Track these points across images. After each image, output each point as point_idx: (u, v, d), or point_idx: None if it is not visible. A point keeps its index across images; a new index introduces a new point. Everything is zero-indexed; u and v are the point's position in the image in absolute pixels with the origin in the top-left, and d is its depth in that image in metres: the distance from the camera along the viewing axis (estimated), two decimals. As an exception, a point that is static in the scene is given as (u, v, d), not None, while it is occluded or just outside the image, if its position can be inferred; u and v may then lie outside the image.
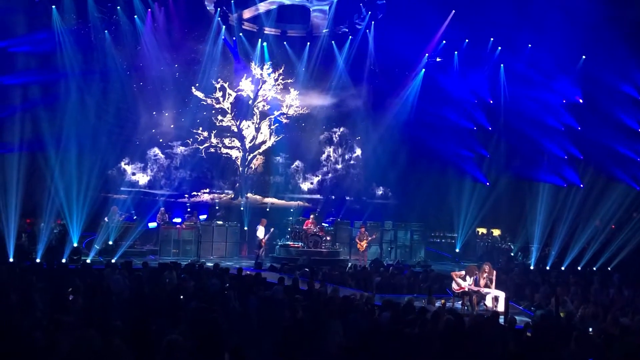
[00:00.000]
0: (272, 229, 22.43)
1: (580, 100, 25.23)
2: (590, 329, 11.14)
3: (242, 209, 26.30)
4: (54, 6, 23.12)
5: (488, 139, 27.15)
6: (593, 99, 24.51)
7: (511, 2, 23.33)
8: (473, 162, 27.39)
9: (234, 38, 27.19)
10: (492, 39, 25.91)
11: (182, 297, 12.17)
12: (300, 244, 22.53)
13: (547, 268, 21.60)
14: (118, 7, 24.59)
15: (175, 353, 7.61)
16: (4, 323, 8.75)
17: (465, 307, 14.95)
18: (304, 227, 22.89)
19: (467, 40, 26.30)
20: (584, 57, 24.68)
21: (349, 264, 21.35)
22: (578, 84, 25.12)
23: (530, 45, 25.22)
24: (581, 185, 24.48)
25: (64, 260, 18.73)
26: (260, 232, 21.85)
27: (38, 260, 18.37)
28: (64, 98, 23.01)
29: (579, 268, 21.32)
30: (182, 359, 7.71)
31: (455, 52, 26.74)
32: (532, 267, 22.03)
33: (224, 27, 26.41)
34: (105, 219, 21.83)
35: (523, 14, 23.62)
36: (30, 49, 22.46)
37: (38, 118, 21.94)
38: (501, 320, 12.04)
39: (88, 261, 18.79)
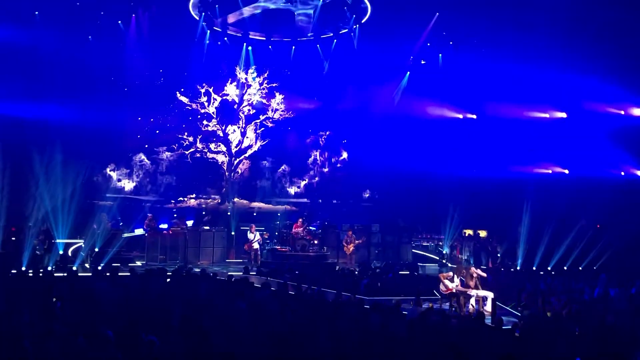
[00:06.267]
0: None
1: None
2: (577, 329, 11.22)
3: (229, 213, 26.23)
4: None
5: (475, 136, 27.29)
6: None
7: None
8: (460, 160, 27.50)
9: (219, 43, 27.17)
10: (475, 40, 26.03)
11: (169, 303, 12.13)
12: (287, 247, 22.52)
13: (534, 268, 21.73)
14: (102, 12, 24.46)
15: (155, 354, 7.62)
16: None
17: (453, 309, 15.01)
18: (292, 231, 22.87)
19: (451, 42, 26.46)
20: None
21: (337, 267, 21.36)
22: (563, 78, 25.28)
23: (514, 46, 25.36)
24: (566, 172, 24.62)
25: (50, 268, 18.59)
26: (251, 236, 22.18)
27: (23, 269, 18.21)
28: (48, 103, 22.86)
29: (565, 268, 21.47)
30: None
31: (440, 55, 26.88)
32: (518, 268, 22.15)
33: (208, 31, 26.43)
34: (94, 225, 21.68)
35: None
36: (12, 51, 22.26)
37: (22, 124, 21.81)
38: (489, 320, 12.12)
39: (74, 269, 18.67)
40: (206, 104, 27.10)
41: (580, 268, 21.21)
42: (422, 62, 27.68)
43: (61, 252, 19.95)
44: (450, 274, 15.73)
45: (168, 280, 15.28)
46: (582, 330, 11.07)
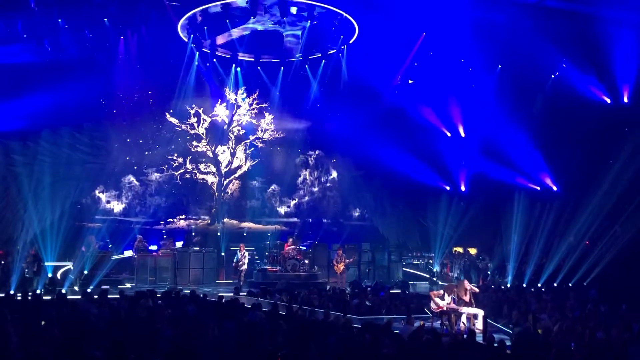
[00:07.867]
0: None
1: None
2: (570, 345, 11.22)
3: (219, 234, 26.14)
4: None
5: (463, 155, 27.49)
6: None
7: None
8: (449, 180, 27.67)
9: (208, 64, 27.26)
10: (462, 60, 26.24)
11: (159, 325, 12.04)
12: (278, 267, 22.41)
13: (524, 285, 21.74)
14: (90, 35, 24.48)
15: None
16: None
17: (444, 327, 14.97)
18: (283, 251, 22.78)
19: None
20: (553, 76, 25.18)
21: (328, 287, 21.29)
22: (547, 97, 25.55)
23: (500, 66, 25.68)
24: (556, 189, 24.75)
25: (38, 291, 18.42)
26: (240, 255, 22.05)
27: (12, 292, 18.04)
28: (36, 126, 22.81)
29: (555, 284, 21.50)
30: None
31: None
32: (509, 285, 22.16)
33: (197, 53, 26.47)
34: (83, 248, 21.53)
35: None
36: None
37: (10, 147, 21.74)
38: (480, 338, 12.10)
39: (63, 291, 18.51)
40: (196, 124, 27.12)
41: (570, 284, 21.23)
42: (410, 82, 27.83)
43: (50, 274, 19.80)
44: (442, 291, 15.71)
45: (158, 302, 15.18)
46: (574, 346, 11.07)
